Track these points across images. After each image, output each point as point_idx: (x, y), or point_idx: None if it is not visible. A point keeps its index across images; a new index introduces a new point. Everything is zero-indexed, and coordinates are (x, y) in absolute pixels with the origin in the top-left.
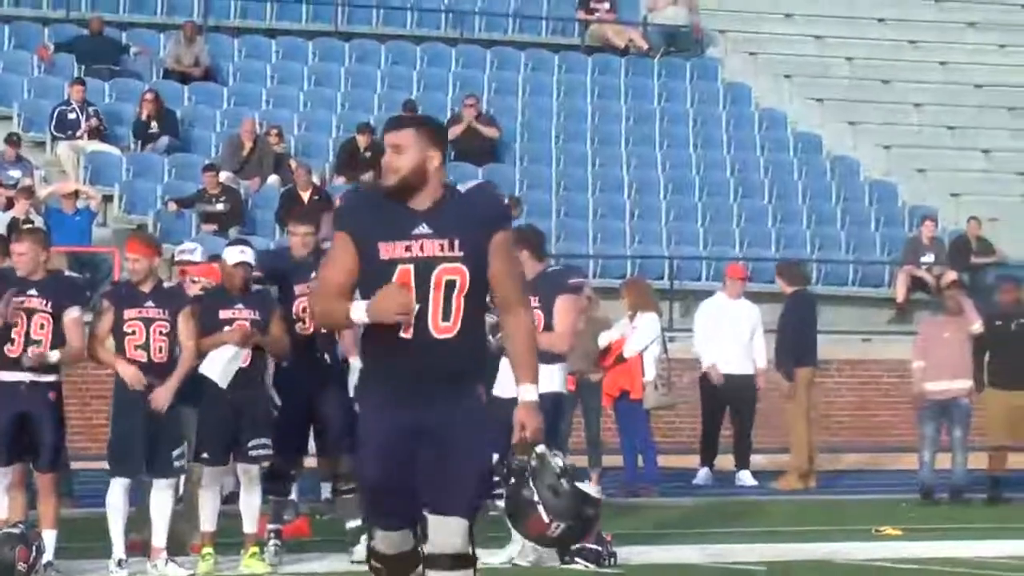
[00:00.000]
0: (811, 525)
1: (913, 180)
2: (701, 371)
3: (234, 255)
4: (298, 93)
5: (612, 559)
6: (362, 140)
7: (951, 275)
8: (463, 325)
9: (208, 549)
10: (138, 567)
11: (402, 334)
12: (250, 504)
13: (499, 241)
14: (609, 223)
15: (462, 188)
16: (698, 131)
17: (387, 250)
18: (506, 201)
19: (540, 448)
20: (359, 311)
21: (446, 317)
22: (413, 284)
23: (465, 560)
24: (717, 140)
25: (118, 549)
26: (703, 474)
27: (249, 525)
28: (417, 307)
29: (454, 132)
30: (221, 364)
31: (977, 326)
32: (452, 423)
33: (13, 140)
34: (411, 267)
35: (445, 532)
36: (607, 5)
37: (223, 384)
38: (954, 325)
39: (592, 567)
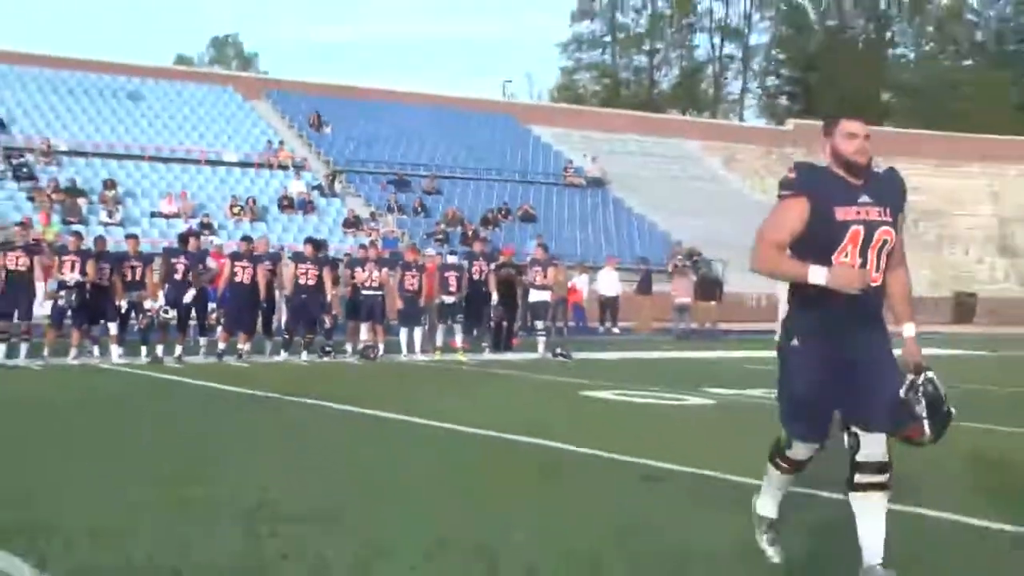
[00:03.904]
0: None
1: None
2: None
3: None
4: None
5: None
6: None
7: None
8: (882, 276)
9: None
10: None
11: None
12: None
13: (902, 214)
14: None
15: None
16: None
17: (842, 213)
18: None
19: (930, 373)
20: (818, 275)
21: (877, 269)
22: (861, 242)
23: (888, 467)
24: None
25: None
26: None
27: None
28: (861, 263)
29: None
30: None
31: None
32: (874, 356)
33: None
34: (861, 228)
35: (875, 445)
36: None
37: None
38: None
39: None
